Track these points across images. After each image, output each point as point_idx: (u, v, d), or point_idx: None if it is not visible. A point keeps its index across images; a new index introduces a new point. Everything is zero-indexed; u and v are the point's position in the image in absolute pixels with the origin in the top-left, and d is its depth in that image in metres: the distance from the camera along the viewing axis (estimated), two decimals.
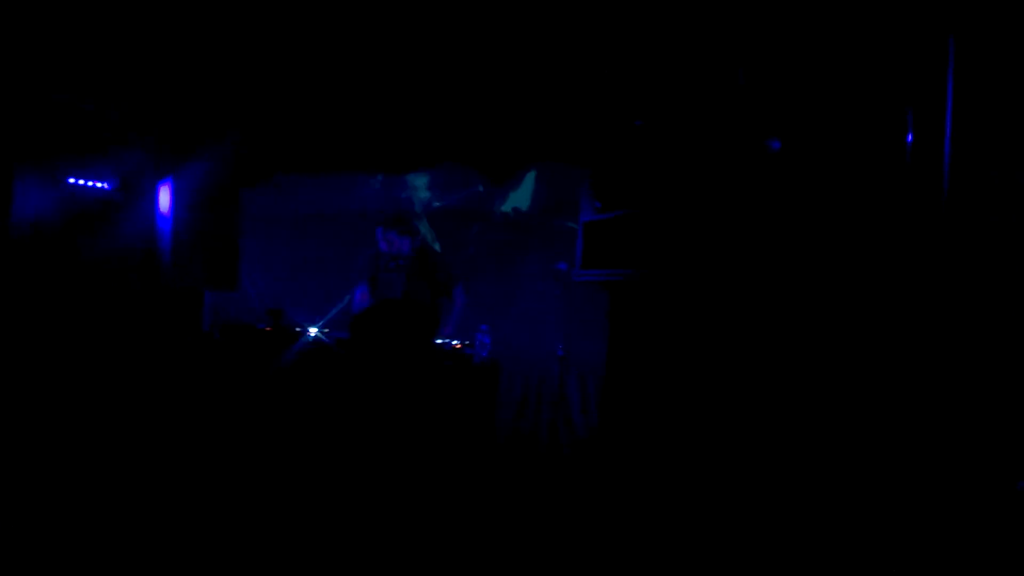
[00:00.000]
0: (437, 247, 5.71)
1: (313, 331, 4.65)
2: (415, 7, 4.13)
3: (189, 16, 4.28)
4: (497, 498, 4.15)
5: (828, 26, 2.84)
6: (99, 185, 4.53)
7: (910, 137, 2.45)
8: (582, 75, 4.11)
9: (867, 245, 2.59)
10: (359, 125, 4.96)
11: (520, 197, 6.00)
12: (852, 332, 2.64)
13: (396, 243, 4.78)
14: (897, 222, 2.50)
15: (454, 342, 4.69)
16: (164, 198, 4.77)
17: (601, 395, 5.19)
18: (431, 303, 4.83)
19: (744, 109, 2.96)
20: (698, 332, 3.24)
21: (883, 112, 2.55)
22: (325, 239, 6.44)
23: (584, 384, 5.73)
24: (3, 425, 3.73)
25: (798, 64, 2.84)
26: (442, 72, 4.60)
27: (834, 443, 2.69)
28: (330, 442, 3.94)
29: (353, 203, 6.28)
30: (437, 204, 6.24)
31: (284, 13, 4.27)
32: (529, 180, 5.90)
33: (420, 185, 6.10)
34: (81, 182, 4.44)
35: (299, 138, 5.06)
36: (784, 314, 2.88)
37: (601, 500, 3.76)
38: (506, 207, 6.11)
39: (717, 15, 3.23)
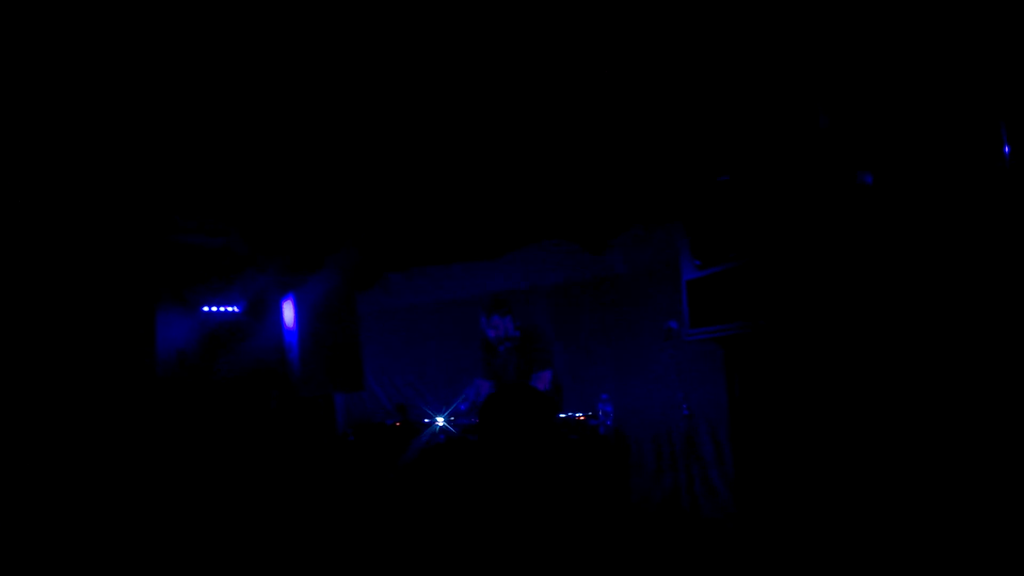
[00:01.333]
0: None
1: (440, 421, 4.76)
2: (501, 101, 4.30)
3: (290, 154, 4.66)
4: (644, 569, 4.05)
5: (905, 48, 2.78)
6: (230, 309, 4.94)
7: (1007, 149, 2.33)
8: (666, 136, 4.15)
9: (977, 268, 2.45)
10: (455, 218, 5.18)
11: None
12: (975, 359, 2.49)
13: (501, 326, 4.90)
14: (1003, 236, 2.36)
15: (578, 414, 4.69)
16: (288, 313, 5.11)
17: (733, 446, 5.03)
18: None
19: (830, 148, 2.91)
20: (812, 376, 3.13)
21: (976, 126, 2.44)
22: (442, 329, 6.66)
23: (716, 438, 5.56)
24: (170, 543, 4.01)
25: (880, 93, 2.78)
26: (530, 153, 4.76)
27: (974, 475, 2.51)
28: (465, 528, 3.99)
29: (461, 291, 6.49)
30: (537, 284, 6.35)
31: (378, 141, 4.57)
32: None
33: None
34: (214, 308, 4.85)
35: (403, 242, 5.34)
36: (900, 346, 2.75)
37: (748, 559, 3.62)
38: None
39: (791, 60, 3.22)
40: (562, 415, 4.68)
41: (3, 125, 3.63)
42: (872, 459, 2.98)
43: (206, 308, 4.78)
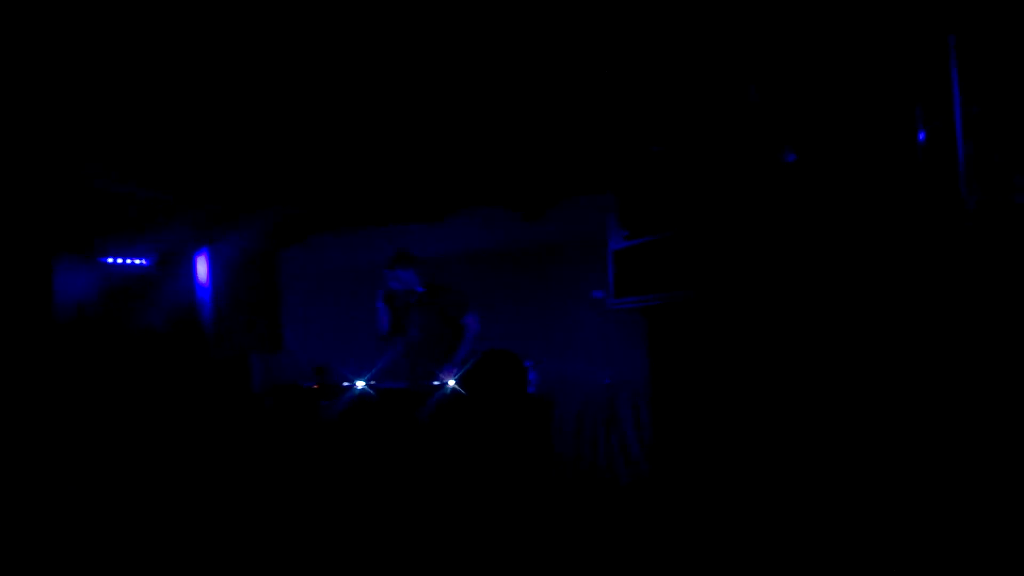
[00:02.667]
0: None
1: (360, 384, 4.66)
2: (435, 59, 4.17)
3: (219, 95, 4.40)
4: (560, 527, 4.10)
5: (832, 33, 2.78)
6: (137, 262, 4.67)
7: (921, 135, 2.37)
8: (599, 107, 4.10)
9: (888, 248, 2.50)
10: (387, 177, 5.03)
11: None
12: (880, 336, 2.55)
13: (404, 278, 4.80)
14: (915, 222, 2.41)
15: None
16: (202, 269, 4.89)
17: (652, 416, 5.11)
18: (443, 333, 4.81)
19: (758, 125, 2.91)
20: (734, 347, 3.17)
21: (892, 111, 2.47)
22: (364, 292, 6.50)
23: (636, 407, 5.64)
24: (62, 500, 3.81)
25: (807, 72, 2.78)
26: (461, 117, 4.65)
27: (871, 447, 2.59)
28: (394, 483, 3.98)
29: (389, 254, 6.34)
30: (469, 247, 6.26)
31: (313, 87, 4.35)
32: None
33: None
34: (119, 260, 4.58)
35: (331, 200, 5.15)
36: (810, 322, 2.80)
37: (659, 521, 3.70)
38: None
39: (724, 33, 3.19)
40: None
41: None
42: (781, 431, 3.05)
43: (110, 260, 4.51)
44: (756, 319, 3.17)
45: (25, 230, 4.00)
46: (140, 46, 3.78)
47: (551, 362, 5.56)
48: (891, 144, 2.49)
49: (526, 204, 5.22)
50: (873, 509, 2.65)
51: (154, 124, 4.56)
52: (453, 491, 4.01)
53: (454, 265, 6.17)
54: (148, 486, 4.14)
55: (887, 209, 2.52)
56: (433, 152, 4.93)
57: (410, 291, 4.80)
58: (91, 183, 4.53)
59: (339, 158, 5.02)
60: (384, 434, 4.51)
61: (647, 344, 3.93)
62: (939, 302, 2.41)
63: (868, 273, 2.61)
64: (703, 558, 3.21)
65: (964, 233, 2.25)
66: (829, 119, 2.69)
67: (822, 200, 2.71)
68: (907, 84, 2.44)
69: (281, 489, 4.43)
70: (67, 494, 3.82)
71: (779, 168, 2.81)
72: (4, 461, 3.65)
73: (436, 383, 4.55)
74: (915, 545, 2.55)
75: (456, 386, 4.36)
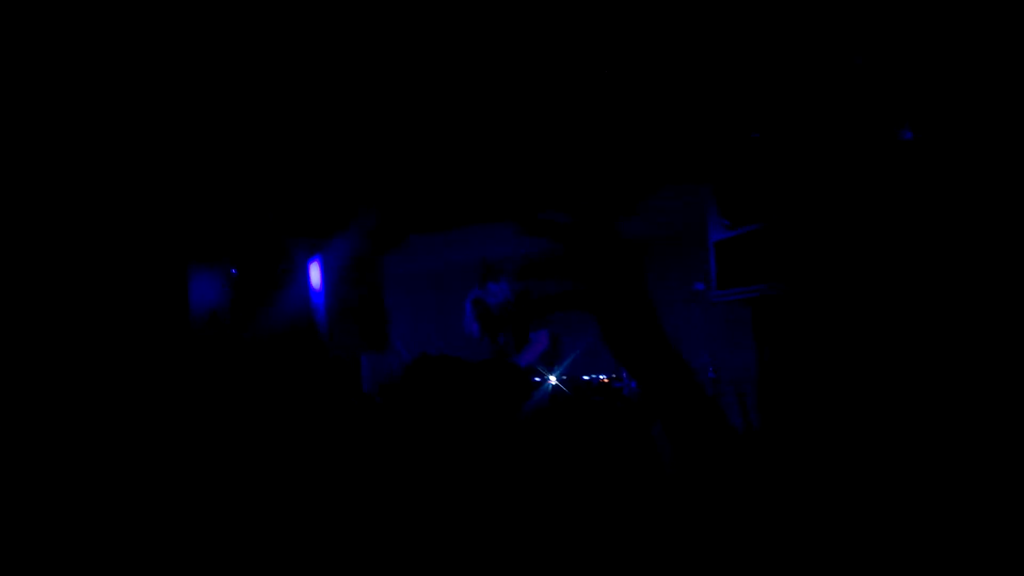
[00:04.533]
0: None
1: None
2: (522, 53, 4.22)
3: (320, 116, 4.63)
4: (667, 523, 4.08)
5: None
6: (259, 271, 4.98)
7: None
8: (693, 94, 4.06)
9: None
10: (483, 180, 5.14)
11: None
12: (1015, 336, 2.42)
13: (497, 292, 4.83)
14: None
15: (601, 376, 4.70)
16: (315, 275, 5.15)
17: (759, 411, 5.01)
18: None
19: (870, 100, 2.82)
20: (848, 341, 3.08)
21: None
22: (459, 291, 6.66)
23: (743, 401, 5.55)
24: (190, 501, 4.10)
25: (928, 32, 2.67)
26: (554, 111, 4.69)
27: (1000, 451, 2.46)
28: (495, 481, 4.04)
29: (488, 253, 6.47)
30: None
31: (408, 101, 4.51)
32: None
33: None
34: (242, 271, 4.90)
35: (429, 203, 5.32)
36: (931, 315, 2.68)
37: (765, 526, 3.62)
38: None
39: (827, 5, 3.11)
40: (585, 376, 4.69)
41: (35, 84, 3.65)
42: (903, 436, 2.94)
43: (234, 270, 4.83)
44: (871, 311, 3.07)
45: (163, 241, 4.34)
46: (256, 66, 4.03)
47: None
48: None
49: (622, 196, 5.21)
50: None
51: (269, 142, 4.85)
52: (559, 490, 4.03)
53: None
54: (280, 481, 4.39)
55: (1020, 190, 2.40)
56: (522, 147, 4.99)
57: (506, 301, 4.84)
58: (216, 197, 4.86)
59: (433, 157, 5.17)
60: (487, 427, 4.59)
61: (753, 337, 3.89)
62: None
63: (1003, 265, 2.49)
64: (808, 552, 3.14)
65: None
66: (954, 89, 2.57)
67: (946, 181, 2.60)
68: None
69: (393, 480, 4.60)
70: (206, 487, 4.10)
71: (895, 147, 2.72)
72: (150, 457, 3.96)
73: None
74: None
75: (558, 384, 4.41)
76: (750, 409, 5.50)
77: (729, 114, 3.68)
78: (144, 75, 3.84)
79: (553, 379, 4.56)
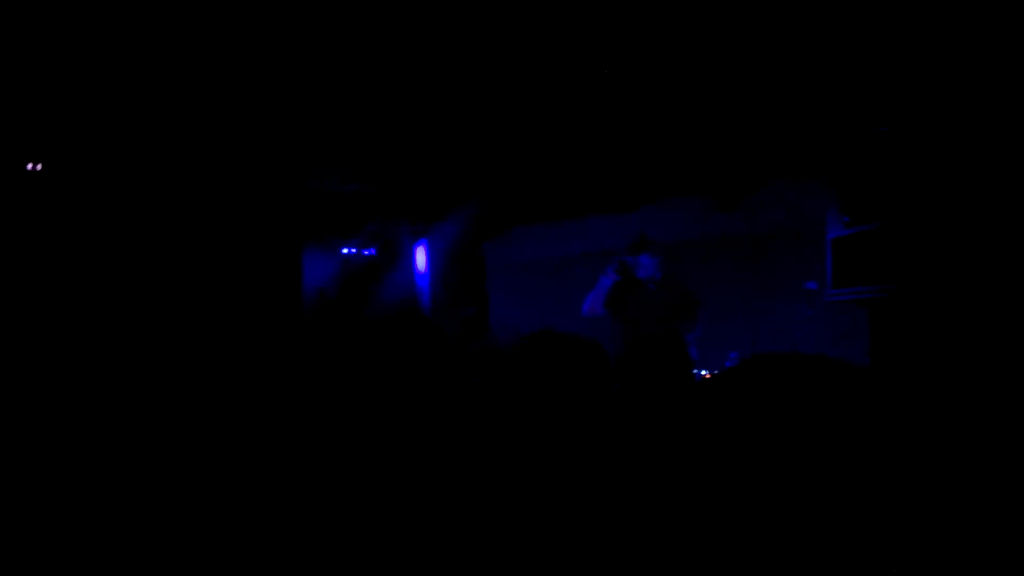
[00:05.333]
0: None
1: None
2: (626, 42, 4.16)
3: (429, 104, 4.72)
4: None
5: None
6: (366, 252, 5.15)
7: None
8: (817, 85, 3.90)
9: None
10: (586, 171, 5.12)
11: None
12: None
13: (649, 265, 4.70)
14: None
15: (703, 372, 4.60)
16: (420, 258, 5.28)
17: None
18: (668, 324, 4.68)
19: (1010, 91, 2.64)
20: (977, 348, 2.90)
21: None
22: (567, 282, 6.66)
23: None
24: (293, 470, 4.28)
25: None
26: (661, 103, 4.61)
27: None
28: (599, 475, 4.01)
29: (586, 245, 6.46)
30: (665, 239, 6.19)
31: (516, 95, 4.53)
32: None
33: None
34: (352, 251, 5.08)
35: (531, 193, 5.34)
36: None
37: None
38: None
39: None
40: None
41: (170, 93, 3.90)
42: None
43: (345, 250, 5.01)
44: (1004, 317, 2.88)
45: (280, 226, 4.56)
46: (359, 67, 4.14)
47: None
48: None
49: (728, 191, 5.08)
50: None
51: (376, 133, 5.00)
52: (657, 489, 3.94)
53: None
54: (391, 460, 4.54)
55: None
56: (628, 137, 4.92)
57: (651, 278, 4.71)
58: (326, 185, 5.06)
59: (536, 149, 5.18)
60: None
61: (870, 340, 3.71)
62: None
63: None
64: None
65: None
66: None
67: None
68: None
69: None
70: (311, 459, 4.29)
71: None
72: (267, 435, 4.17)
73: None
74: None
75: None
76: None
77: (855, 107, 3.52)
78: (265, 68, 4.03)
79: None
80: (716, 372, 4.52)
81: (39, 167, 3.96)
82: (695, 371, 4.57)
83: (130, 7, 3.28)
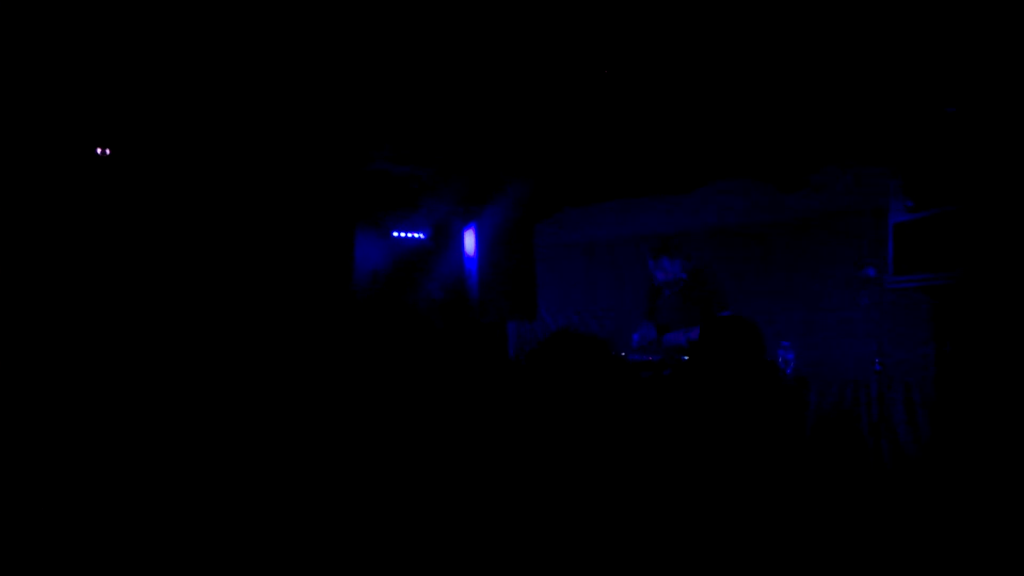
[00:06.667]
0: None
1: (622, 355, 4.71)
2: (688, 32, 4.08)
3: (481, 87, 4.70)
4: (814, 520, 3.88)
5: None
6: (416, 235, 5.18)
7: None
8: (880, 63, 3.75)
9: None
10: (639, 152, 5.04)
11: None
12: None
13: (670, 269, 4.73)
14: None
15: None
16: (469, 241, 5.28)
17: (934, 413, 4.63)
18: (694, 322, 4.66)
19: None
20: None
21: None
22: (618, 265, 6.61)
23: (909, 398, 5.16)
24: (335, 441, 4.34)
25: None
26: (717, 81, 4.49)
27: None
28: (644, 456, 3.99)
29: (637, 227, 6.38)
30: (718, 222, 6.09)
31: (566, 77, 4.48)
32: None
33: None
34: (403, 234, 5.11)
35: (584, 173, 5.28)
36: None
37: (932, 520, 3.34)
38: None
39: None
40: None
41: (226, 68, 3.96)
42: None
43: (396, 233, 5.05)
44: None
45: (332, 207, 4.61)
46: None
47: (810, 345, 5.27)
48: None
49: (784, 174, 4.94)
50: None
51: (429, 112, 5.00)
52: (702, 475, 3.91)
53: (702, 240, 6.05)
54: (432, 442, 4.59)
55: None
56: (684, 116, 4.81)
57: (675, 280, 4.75)
58: (378, 166, 5.09)
59: (589, 130, 5.12)
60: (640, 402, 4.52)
61: (932, 329, 3.59)
62: None
63: None
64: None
65: None
66: None
67: None
68: None
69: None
70: (357, 434, 4.35)
71: None
72: (321, 414, 4.26)
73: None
74: None
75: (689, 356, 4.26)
76: (917, 407, 5.10)
77: (921, 86, 3.37)
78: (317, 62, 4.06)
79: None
80: (770, 360, 4.43)
81: (107, 151, 4.08)
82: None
83: None
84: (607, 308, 6.64)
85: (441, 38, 4.14)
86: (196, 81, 4.04)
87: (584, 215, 6.29)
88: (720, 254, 5.93)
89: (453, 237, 5.35)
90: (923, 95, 3.35)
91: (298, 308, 4.35)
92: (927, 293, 3.51)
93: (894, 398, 5.00)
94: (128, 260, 3.87)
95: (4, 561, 2.90)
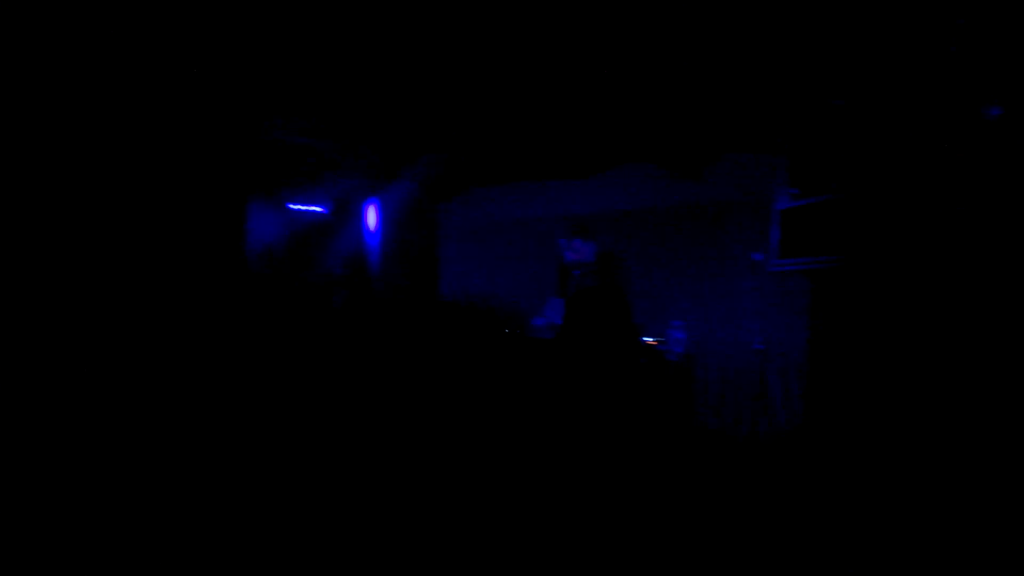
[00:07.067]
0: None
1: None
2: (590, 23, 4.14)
3: (389, 56, 4.62)
4: (691, 491, 4.09)
5: None
6: (315, 209, 5.05)
7: None
8: (772, 57, 3.95)
9: None
10: (545, 135, 5.10)
11: None
12: None
13: (581, 250, 4.86)
14: None
15: (647, 339, 4.69)
16: (371, 217, 5.19)
17: (806, 389, 4.94)
18: None
19: (957, 75, 2.72)
20: (911, 319, 3.01)
21: None
22: (521, 246, 6.66)
23: (786, 378, 5.49)
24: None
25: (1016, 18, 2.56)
26: (619, 71, 4.61)
27: None
28: (524, 431, 4.07)
29: (542, 210, 6.46)
30: (621, 207, 6.26)
31: (472, 52, 4.46)
32: None
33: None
34: (301, 207, 4.97)
35: (490, 155, 5.29)
36: (1009, 299, 2.60)
37: (801, 495, 3.58)
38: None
39: None
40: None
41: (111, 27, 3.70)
42: (960, 417, 2.85)
43: (294, 206, 4.90)
44: (941, 290, 2.99)
45: (224, 175, 4.41)
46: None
47: (702, 325, 5.51)
48: None
49: (683, 162, 5.14)
50: None
51: (328, 81, 4.86)
52: (587, 445, 4.02)
53: (603, 223, 6.19)
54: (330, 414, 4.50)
55: None
56: (587, 105, 4.92)
57: (584, 262, 4.87)
58: (275, 135, 4.91)
59: (494, 112, 5.14)
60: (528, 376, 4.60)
61: (809, 309, 3.82)
62: None
63: None
64: (850, 550, 3.05)
65: None
66: None
67: None
68: None
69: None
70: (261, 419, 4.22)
71: (979, 125, 2.62)
72: (209, 384, 4.09)
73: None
74: None
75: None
76: (792, 384, 5.44)
77: (809, 80, 3.58)
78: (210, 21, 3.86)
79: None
80: (660, 339, 4.62)
81: None
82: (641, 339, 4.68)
83: None
84: (514, 287, 6.70)
85: (345, 4, 4.04)
86: (63, 34, 3.76)
87: (490, 196, 6.31)
88: (622, 237, 6.10)
89: (354, 213, 5.25)
90: (810, 90, 3.55)
91: (186, 283, 4.15)
92: (807, 276, 3.74)
93: (772, 375, 5.33)
94: None
95: None
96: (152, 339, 4.01)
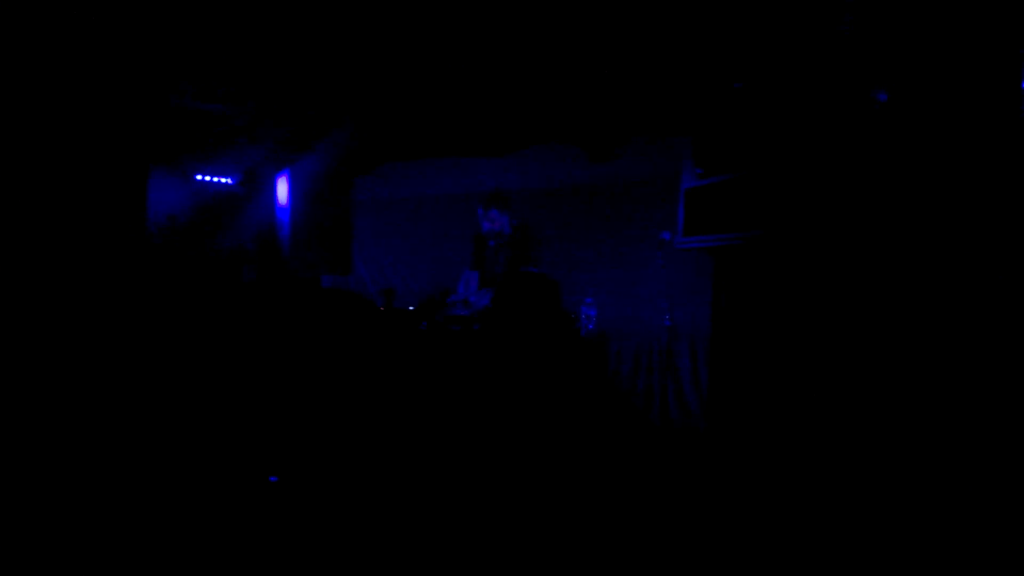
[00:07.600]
0: None
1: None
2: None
3: (301, 19, 4.48)
4: (604, 471, 4.17)
5: None
6: (223, 180, 4.88)
7: None
8: (679, 42, 4.04)
9: (986, 203, 2.44)
10: (462, 112, 5.08)
11: None
12: (974, 299, 2.49)
13: (498, 220, 4.90)
14: (1015, 176, 2.33)
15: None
16: (282, 190, 5.06)
17: (710, 363, 5.11)
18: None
19: (849, 61, 2.84)
20: (807, 294, 3.15)
21: (996, 54, 2.38)
22: (436, 221, 6.64)
23: (694, 352, 5.68)
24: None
25: (908, 8, 2.69)
26: (535, 54, 4.63)
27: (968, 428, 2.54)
28: (447, 412, 4.07)
29: (458, 186, 6.45)
30: (536, 185, 6.31)
31: (388, 14, 4.39)
32: None
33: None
34: (208, 178, 4.79)
35: (406, 129, 5.23)
36: (892, 273, 2.75)
37: (707, 477, 3.69)
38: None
39: None
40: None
41: None
42: (855, 388, 2.98)
43: (200, 176, 4.72)
44: (833, 265, 3.13)
45: (122, 141, 4.20)
46: None
47: (614, 302, 5.62)
48: (993, 90, 2.41)
49: (597, 143, 5.22)
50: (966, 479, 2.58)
51: (238, 44, 4.68)
52: (504, 422, 4.05)
53: (519, 201, 6.22)
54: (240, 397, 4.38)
55: (986, 160, 2.45)
56: (502, 85, 4.94)
57: (500, 232, 4.91)
58: (179, 101, 4.71)
59: (410, 86, 5.08)
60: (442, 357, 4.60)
61: (712, 285, 3.94)
62: None
63: (961, 227, 2.55)
64: (752, 519, 3.15)
65: None
66: (927, 59, 2.60)
67: (914, 145, 2.64)
68: (1014, 25, 2.35)
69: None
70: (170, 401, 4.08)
71: (868, 109, 2.75)
72: (104, 367, 3.92)
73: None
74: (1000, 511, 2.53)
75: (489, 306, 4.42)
76: (700, 361, 5.63)
77: (712, 64, 3.67)
78: None
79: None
80: (573, 316, 4.69)
81: None
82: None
83: None
84: (430, 262, 6.67)
85: None
86: None
87: (407, 171, 6.25)
88: (537, 214, 6.15)
89: (265, 185, 5.10)
90: (713, 73, 3.64)
91: (80, 252, 3.96)
92: (711, 253, 3.86)
93: (680, 352, 5.49)
94: None
95: None
96: (38, 318, 3.82)
